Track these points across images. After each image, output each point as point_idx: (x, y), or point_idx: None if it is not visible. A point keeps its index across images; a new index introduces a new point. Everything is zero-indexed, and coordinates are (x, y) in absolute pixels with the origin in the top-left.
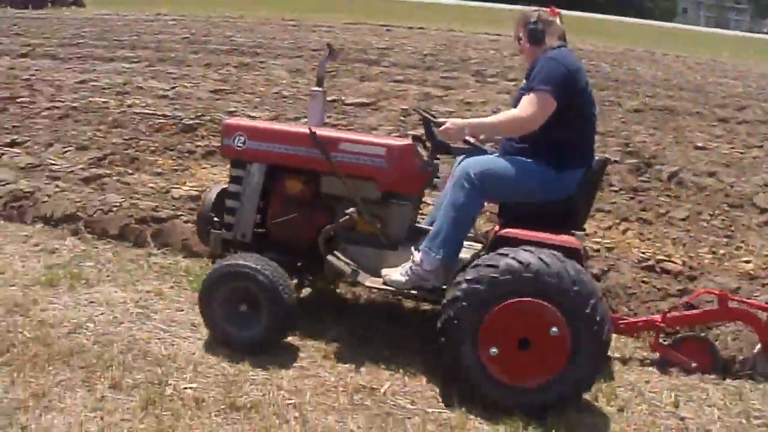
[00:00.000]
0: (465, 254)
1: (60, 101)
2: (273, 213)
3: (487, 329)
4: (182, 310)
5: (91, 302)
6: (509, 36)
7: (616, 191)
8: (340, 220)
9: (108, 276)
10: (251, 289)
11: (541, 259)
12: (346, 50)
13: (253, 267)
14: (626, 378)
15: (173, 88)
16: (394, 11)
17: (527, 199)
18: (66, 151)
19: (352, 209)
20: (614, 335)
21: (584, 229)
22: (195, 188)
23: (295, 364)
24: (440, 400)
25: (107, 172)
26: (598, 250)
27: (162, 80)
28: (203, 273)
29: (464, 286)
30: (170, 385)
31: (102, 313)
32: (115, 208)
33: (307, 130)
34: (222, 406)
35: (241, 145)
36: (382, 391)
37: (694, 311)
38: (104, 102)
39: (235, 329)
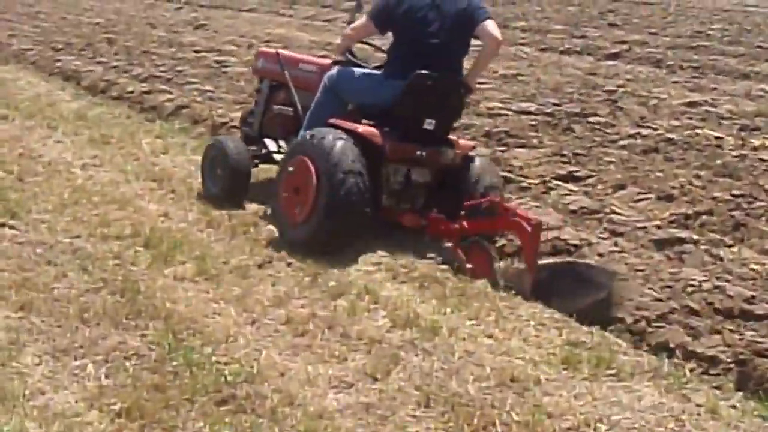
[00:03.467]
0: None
1: (650, 127)
2: (266, 114)
3: (282, 178)
4: None
5: (611, 400)
6: None
7: None
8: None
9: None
10: (220, 157)
11: (323, 135)
12: None
13: (223, 141)
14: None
15: None
16: None
17: (361, 100)
18: (641, 199)
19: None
20: None
21: (442, 136)
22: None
23: None
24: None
25: (695, 237)
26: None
27: None
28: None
29: (286, 149)
30: None
31: (627, 418)
32: (691, 288)
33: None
34: None
35: (259, 66)
36: None
37: (481, 219)
38: (717, 138)
39: (210, 184)
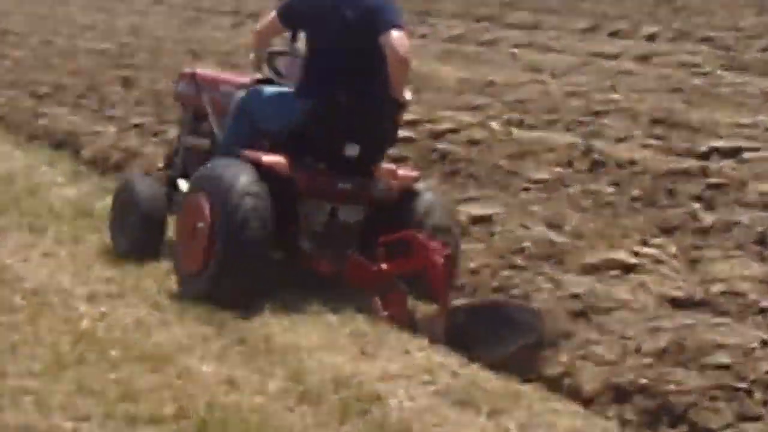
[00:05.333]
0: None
1: None
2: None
3: (178, 221)
4: None
5: None
6: None
7: None
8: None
9: None
10: (129, 201)
11: (220, 168)
12: None
13: (132, 181)
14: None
15: None
16: None
17: (270, 124)
18: None
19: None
20: None
21: (370, 165)
22: None
23: None
24: None
25: None
26: None
27: None
28: None
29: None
30: None
31: None
32: None
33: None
34: None
35: (180, 90)
36: None
37: (399, 258)
38: None
39: (119, 237)
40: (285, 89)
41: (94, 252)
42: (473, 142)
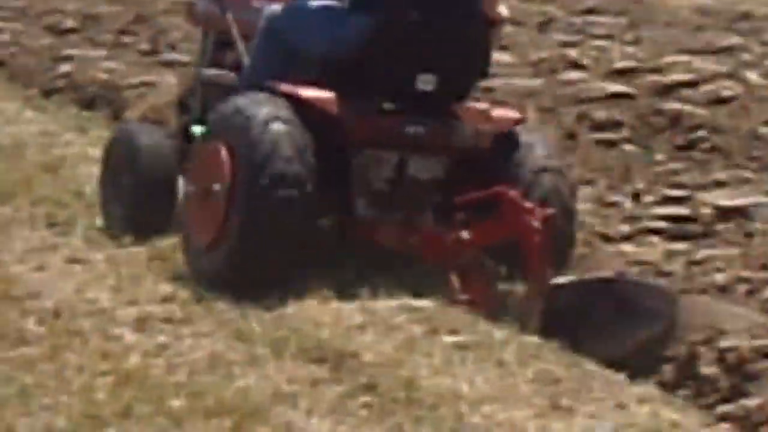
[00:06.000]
0: None
1: None
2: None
3: (186, 176)
4: None
5: None
6: None
7: None
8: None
9: None
10: (125, 156)
11: (247, 107)
12: None
13: (130, 130)
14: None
15: None
16: None
17: (316, 48)
18: None
19: None
20: None
21: (452, 102)
22: None
23: None
24: None
25: None
26: None
27: None
28: None
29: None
30: None
31: None
32: None
33: None
34: None
35: (200, 11)
36: None
37: (484, 223)
38: None
39: (111, 205)
40: (334, 2)
41: (144, 256)
42: (719, 101)
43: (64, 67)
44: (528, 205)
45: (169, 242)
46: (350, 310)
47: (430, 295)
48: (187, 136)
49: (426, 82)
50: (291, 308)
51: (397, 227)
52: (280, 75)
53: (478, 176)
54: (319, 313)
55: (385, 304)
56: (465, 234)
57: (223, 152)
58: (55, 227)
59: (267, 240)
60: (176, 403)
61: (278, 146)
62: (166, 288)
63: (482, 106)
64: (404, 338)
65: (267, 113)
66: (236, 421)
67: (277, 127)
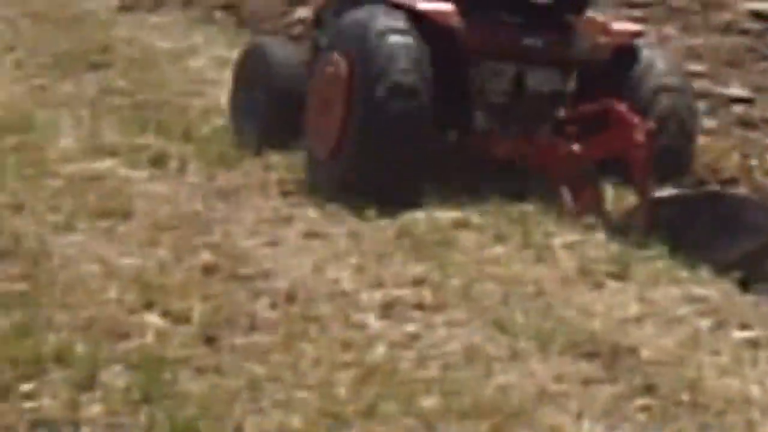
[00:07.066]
0: None
1: None
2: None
3: (310, 87)
4: None
5: None
6: None
7: None
8: None
9: None
10: (259, 71)
11: (366, 20)
12: None
13: (265, 45)
14: None
15: None
16: None
17: None
18: None
19: None
20: None
21: (571, 14)
22: None
23: None
24: None
25: None
26: None
27: None
28: None
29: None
30: None
31: None
32: None
33: None
34: None
35: None
36: None
37: (595, 135)
38: None
39: (242, 120)
40: None
41: (391, 232)
42: None
43: (300, 12)
44: (634, 119)
45: (420, 216)
46: (626, 299)
47: (715, 284)
48: (317, 49)
49: None
50: (557, 296)
51: (513, 140)
52: None
53: (597, 90)
54: (591, 301)
55: (665, 293)
56: (576, 147)
57: (342, 64)
58: (290, 197)
59: (384, 150)
60: (427, 401)
61: (394, 57)
62: (416, 269)
63: (601, 18)
64: (688, 333)
65: (384, 25)
66: (495, 423)
67: (393, 38)
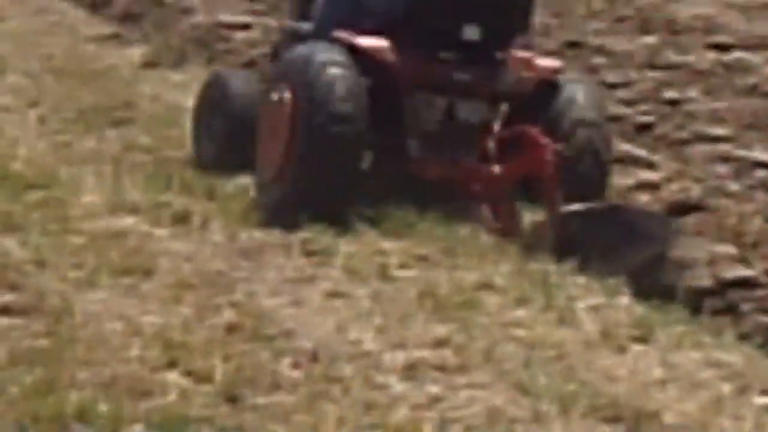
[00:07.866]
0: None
1: None
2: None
3: (260, 115)
4: None
5: None
6: None
7: None
8: None
9: None
10: (218, 100)
11: (308, 53)
12: None
13: (224, 76)
14: None
15: None
16: None
17: (377, 3)
18: None
19: None
20: None
21: (496, 50)
22: None
23: None
24: None
25: None
26: None
27: None
28: None
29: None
30: None
31: None
32: None
33: None
34: None
35: None
36: None
37: (512, 159)
38: None
39: (202, 144)
40: None
41: (414, 292)
42: None
43: None
44: (543, 140)
45: (444, 276)
46: (648, 363)
47: (738, 349)
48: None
49: (471, 32)
50: (580, 359)
51: (443, 165)
52: (344, 26)
53: (522, 121)
54: (613, 365)
55: (688, 357)
56: (496, 169)
57: (287, 93)
58: (313, 256)
59: (323, 172)
60: None
61: (333, 88)
62: (439, 330)
63: (526, 55)
64: (710, 397)
65: (324, 58)
66: None
67: (332, 70)
